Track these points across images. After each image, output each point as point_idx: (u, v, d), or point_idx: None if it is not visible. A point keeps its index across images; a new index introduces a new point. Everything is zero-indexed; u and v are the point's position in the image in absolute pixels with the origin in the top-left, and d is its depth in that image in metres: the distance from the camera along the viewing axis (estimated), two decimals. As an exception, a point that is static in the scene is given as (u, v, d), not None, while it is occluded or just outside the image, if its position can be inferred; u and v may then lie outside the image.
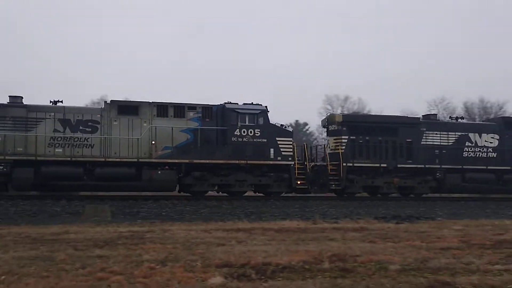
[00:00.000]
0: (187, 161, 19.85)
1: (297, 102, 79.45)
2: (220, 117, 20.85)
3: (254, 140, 20.67)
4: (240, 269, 7.03)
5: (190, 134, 20.25)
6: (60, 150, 18.85)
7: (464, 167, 23.42)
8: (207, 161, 20.08)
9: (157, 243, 9.45)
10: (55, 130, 18.96)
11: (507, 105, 49.61)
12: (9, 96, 19.34)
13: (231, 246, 9.24)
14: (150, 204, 18.20)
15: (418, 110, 53.13)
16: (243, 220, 15.19)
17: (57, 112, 19.25)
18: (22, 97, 19.48)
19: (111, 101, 20.20)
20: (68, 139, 18.99)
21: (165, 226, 12.71)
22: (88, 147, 19.15)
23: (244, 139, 20.58)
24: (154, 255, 7.99)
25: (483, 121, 26.43)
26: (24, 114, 18.82)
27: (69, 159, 18.76)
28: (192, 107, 20.71)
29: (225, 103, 21.12)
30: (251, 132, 20.67)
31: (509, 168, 23.87)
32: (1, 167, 17.96)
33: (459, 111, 47.29)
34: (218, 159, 20.21)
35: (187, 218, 15.77)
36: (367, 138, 22.66)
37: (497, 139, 24.41)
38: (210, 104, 21.01)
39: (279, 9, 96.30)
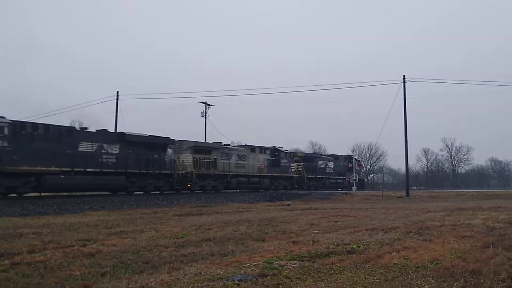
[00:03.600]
0: (270, 174, 42.87)
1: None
2: (273, 153, 44.29)
3: (285, 164, 45.14)
4: None
5: (267, 161, 43.11)
6: (238, 169, 39.22)
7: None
8: (276, 174, 43.52)
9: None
10: (236, 160, 39.12)
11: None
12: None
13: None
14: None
15: None
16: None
17: (235, 151, 39.40)
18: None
19: (247, 144, 41.27)
20: (239, 164, 39.47)
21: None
22: (243, 168, 40.00)
23: (283, 164, 44.82)
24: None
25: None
26: (227, 152, 38.36)
27: (243, 173, 39.43)
28: (266, 148, 43.51)
29: (274, 146, 44.68)
30: (285, 161, 45.05)
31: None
32: (228, 178, 37.50)
33: None
34: (278, 173, 43.89)
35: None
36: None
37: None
38: (269, 146, 44.23)
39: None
